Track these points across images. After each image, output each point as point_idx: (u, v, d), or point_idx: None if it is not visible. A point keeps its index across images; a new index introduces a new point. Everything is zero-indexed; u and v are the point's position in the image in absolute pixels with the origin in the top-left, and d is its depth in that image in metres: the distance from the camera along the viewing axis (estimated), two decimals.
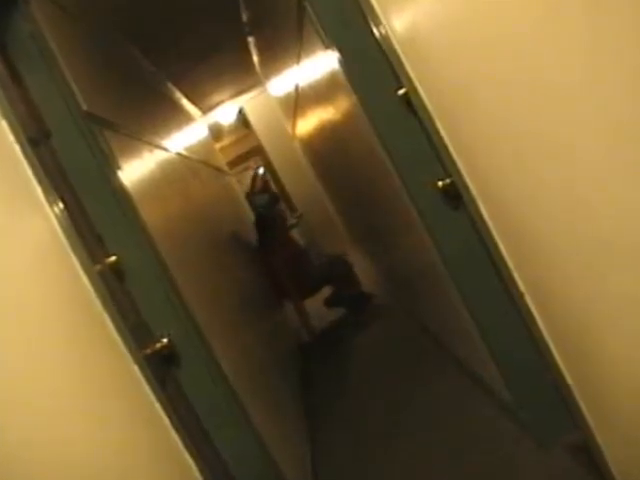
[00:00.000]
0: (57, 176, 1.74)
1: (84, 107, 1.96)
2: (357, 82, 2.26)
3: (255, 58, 6.38)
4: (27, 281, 1.19)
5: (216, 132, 8.41)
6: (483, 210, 1.63)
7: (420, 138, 2.03)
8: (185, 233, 2.90)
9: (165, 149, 3.37)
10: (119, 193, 1.92)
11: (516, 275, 1.60)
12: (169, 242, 2.33)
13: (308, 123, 5.57)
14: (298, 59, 3.92)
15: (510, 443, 2.37)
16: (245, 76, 7.11)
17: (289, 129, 8.04)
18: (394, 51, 1.70)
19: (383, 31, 1.74)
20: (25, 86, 1.84)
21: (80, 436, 1.13)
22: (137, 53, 4.04)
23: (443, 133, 1.65)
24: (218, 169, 6.31)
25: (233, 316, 3.23)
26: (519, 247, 1.53)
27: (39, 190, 1.42)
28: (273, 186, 9.26)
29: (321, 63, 3.05)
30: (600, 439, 1.57)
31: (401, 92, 1.97)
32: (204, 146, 6.06)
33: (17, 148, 1.41)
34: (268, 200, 8.29)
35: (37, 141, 1.70)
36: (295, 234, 7.42)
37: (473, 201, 1.65)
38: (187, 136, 4.94)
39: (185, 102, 6.04)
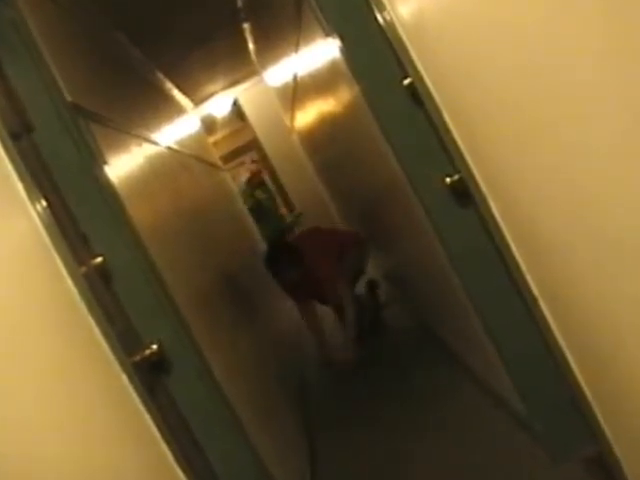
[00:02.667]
0: (40, 172, 1.74)
1: (69, 98, 1.97)
2: (360, 72, 2.26)
3: (251, 46, 6.39)
4: (6, 284, 1.19)
5: (209, 125, 8.42)
6: (494, 208, 1.63)
7: (427, 131, 2.04)
8: (176, 233, 2.90)
9: (155, 143, 3.37)
10: (106, 190, 1.92)
11: (529, 278, 1.60)
12: (159, 242, 2.33)
13: (307, 115, 5.58)
14: (297, 47, 3.93)
15: (523, 457, 2.37)
16: (240, 65, 7.11)
17: (287, 122, 8.04)
18: (399, 38, 1.70)
19: (387, 17, 1.75)
20: (6, 76, 1.84)
21: (63, 449, 1.13)
22: (125, 41, 4.04)
23: (451, 126, 1.65)
24: (211, 164, 6.32)
25: (228, 321, 3.23)
26: (532, 248, 1.53)
27: (20, 187, 1.42)
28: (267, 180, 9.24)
29: (321, 51, 3.05)
30: (619, 452, 1.57)
31: (406, 82, 1.97)
32: (196, 140, 6.07)
33: None
34: (270, 193, 7.88)
35: (18, 135, 1.70)
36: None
37: (483, 199, 1.66)
38: (178, 129, 4.94)
39: (176, 93, 6.05)
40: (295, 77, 4.95)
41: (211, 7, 4.65)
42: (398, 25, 1.69)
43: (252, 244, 6.57)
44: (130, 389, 1.50)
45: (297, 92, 5.39)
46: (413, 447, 2.91)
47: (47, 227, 1.45)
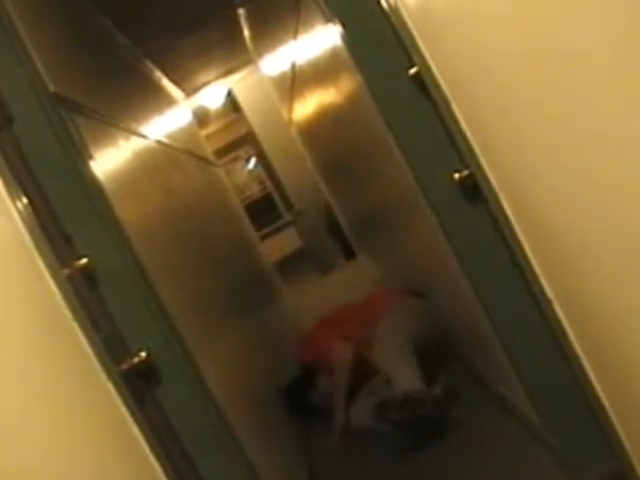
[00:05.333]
0: (21, 167, 1.75)
1: (51, 89, 1.97)
2: (362, 60, 2.26)
3: (246, 33, 6.40)
4: None
5: (202, 117, 8.42)
6: (505, 205, 1.64)
7: (434, 124, 2.04)
8: (167, 232, 2.90)
9: (143, 136, 3.38)
10: (91, 187, 1.92)
11: (543, 279, 1.60)
12: (148, 243, 2.33)
13: (307, 107, 5.58)
14: (295, 34, 3.93)
15: (537, 472, 2.37)
16: (235, 53, 7.11)
17: (285, 114, 8.04)
18: (404, 25, 1.71)
19: (392, 1, 1.75)
20: None
21: (46, 462, 1.13)
22: (111, 27, 4.04)
23: (460, 118, 1.66)
24: (204, 159, 6.32)
25: (223, 327, 3.23)
26: (546, 247, 1.53)
27: (0, 183, 1.42)
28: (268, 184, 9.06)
29: (321, 38, 3.05)
30: None
31: (412, 71, 1.98)
32: (188, 133, 6.07)
33: None
34: None
35: None
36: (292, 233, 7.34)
37: (494, 195, 1.66)
38: (168, 121, 4.95)
39: (166, 83, 6.05)
40: (293, 66, 4.95)
41: None
42: (403, 10, 1.69)
43: (249, 243, 6.57)
44: (117, 399, 1.51)
45: (296, 82, 5.39)
46: (419, 455, 2.92)
47: (28, 226, 1.45)
